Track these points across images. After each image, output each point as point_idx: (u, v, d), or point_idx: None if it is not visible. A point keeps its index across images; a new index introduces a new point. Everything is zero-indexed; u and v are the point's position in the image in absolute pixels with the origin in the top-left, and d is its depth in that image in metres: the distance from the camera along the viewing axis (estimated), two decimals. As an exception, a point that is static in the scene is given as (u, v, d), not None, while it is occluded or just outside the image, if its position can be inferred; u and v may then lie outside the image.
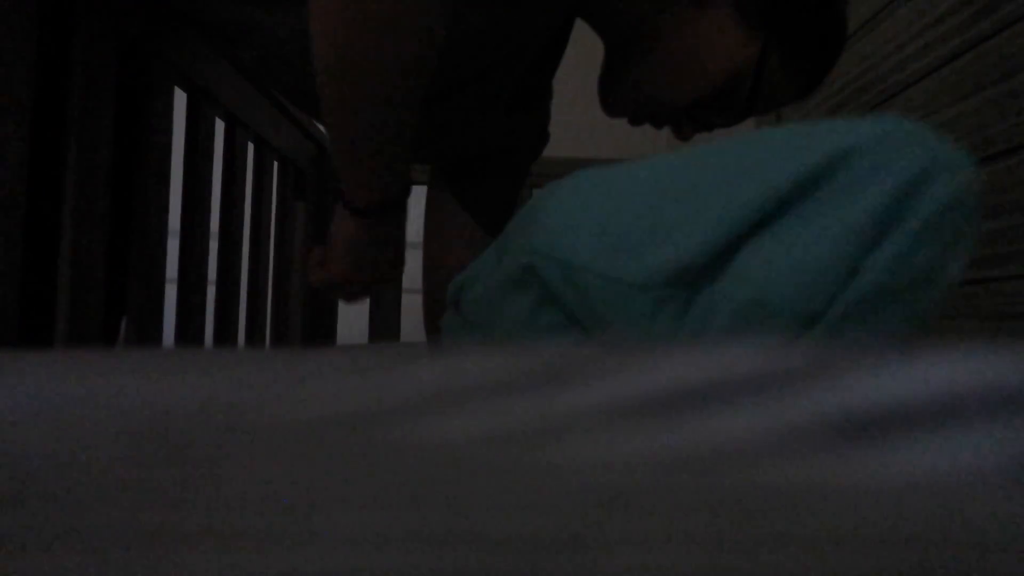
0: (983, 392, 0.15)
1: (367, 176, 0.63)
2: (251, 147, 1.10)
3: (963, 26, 0.79)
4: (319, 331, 1.40)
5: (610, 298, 0.43)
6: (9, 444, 0.16)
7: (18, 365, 0.21)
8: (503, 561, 0.12)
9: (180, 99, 0.85)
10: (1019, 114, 0.70)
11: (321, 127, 1.41)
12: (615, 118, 0.77)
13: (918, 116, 0.88)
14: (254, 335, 1.13)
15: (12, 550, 0.12)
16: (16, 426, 0.17)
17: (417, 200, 0.95)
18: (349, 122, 0.59)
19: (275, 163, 1.22)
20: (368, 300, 1.42)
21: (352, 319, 1.60)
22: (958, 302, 0.79)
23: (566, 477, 0.14)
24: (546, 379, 0.17)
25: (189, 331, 0.88)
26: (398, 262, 0.73)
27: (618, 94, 0.74)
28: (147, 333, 0.76)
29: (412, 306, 0.83)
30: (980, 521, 0.13)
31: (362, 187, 0.64)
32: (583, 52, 1.01)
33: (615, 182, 0.47)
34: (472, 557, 0.12)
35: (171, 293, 0.82)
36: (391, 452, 0.15)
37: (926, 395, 0.15)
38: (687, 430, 0.15)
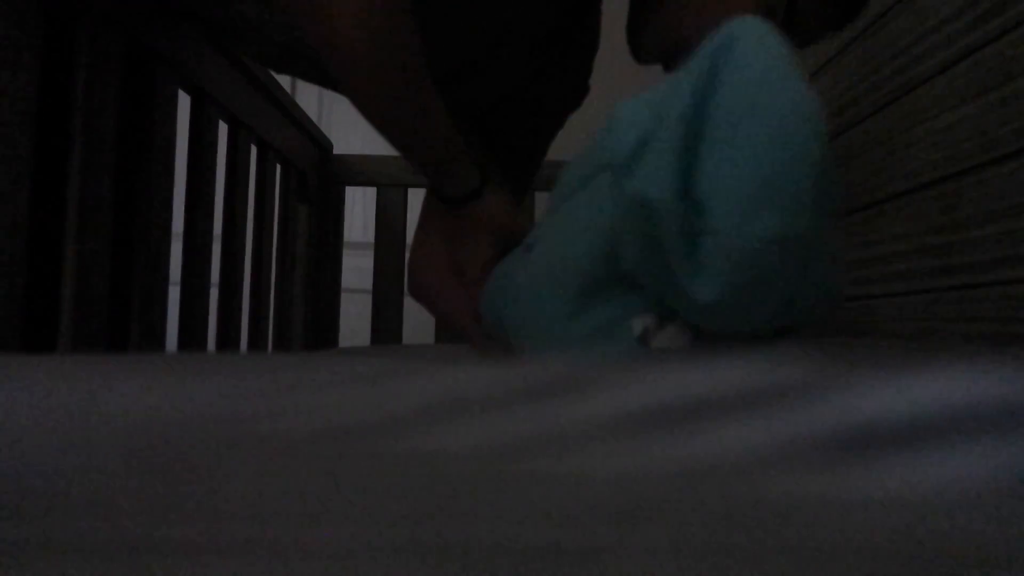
0: (984, 406, 0.15)
1: (425, 161, 0.65)
2: (254, 150, 1.10)
3: (966, 29, 0.79)
4: (321, 333, 1.40)
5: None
6: (9, 451, 0.16)
7: (21, 369, 0.21)
8: (504, 571, 0.12)
9: (183, 101, 0.85)
10: (1022, 117, 0.70)
11: (323, 129, 1.41)
12: (646, 64, 0.75)
13: (922, 119, 0.88)
14: (257, 337, 1.13)
15: (11, 558, 0.12)
16: (17, 433, 0.17)
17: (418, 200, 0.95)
18: (376, 121, 0.62)
19: (278, 165, 1.22)
20: (371, 302, 1.42)
21: (354, 321, 1.60)
22: (961, 306, 0.79)
23: (568, 489, 0.14)
24: (548, 392, 0.17)
25: (192, 333, 0.88)
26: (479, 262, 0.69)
27: (646, 39, 0.72)
28: (150, 336, 0.77)
29: (413, 307, 0.82)
30: (981, 534, 0.13)
31: (431, 177, 0.66)
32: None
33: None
34: (474, 567, 0.12)
35: (174, 295, 0.82)
36: (393, 463, 0.15)
37: (927, 408, 0.15)
38: (690, 443, 0.15)
